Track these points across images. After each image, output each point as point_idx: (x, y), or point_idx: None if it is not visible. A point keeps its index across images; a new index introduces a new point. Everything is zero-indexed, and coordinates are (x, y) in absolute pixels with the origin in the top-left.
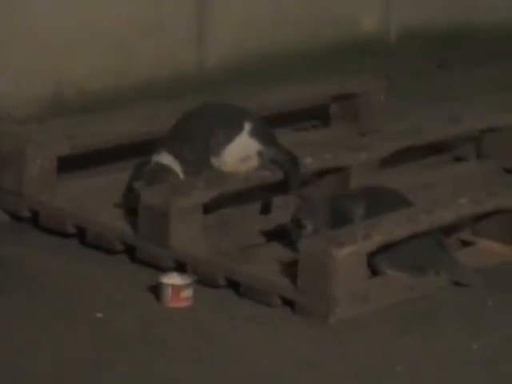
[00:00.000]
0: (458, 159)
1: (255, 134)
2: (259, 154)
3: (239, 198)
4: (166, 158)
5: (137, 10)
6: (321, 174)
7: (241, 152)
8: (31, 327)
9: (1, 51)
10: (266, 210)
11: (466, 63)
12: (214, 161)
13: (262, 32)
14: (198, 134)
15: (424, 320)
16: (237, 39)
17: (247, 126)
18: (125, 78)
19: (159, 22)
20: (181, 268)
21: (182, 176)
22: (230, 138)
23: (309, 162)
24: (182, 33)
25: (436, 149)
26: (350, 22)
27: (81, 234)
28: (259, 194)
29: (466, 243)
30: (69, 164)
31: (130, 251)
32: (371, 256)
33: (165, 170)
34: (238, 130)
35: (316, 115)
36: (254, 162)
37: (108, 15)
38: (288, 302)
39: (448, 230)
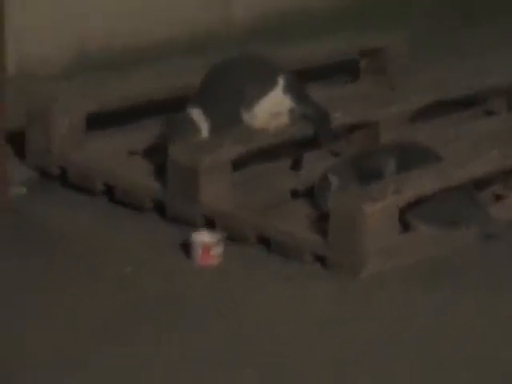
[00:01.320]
0: (489, 113)
1: (289, 90)
2: (291, 111)
3: (269, 154)
4: (195, 113)
5: None
6: (351, 129)
7: (273, 107)
8: (54, 284)
9: (24, 10)
10: (296, 165)
11: (493, 14)
12: (245, 115)
13: None
14: (231, 86)
15: (453, 276)
16: None
17: (281, 82)
18: (147, 37)
19: None
20: (211, 225)
21: (206, 134)
22: (264, 92)
23: (338, 117)
24: None
25: (466, 102)
26: None
27: (110, 192)
28: (290, 150)
29: (499, 197)
30: (97, 122)
31: (160, 208)
32: (403, 211)
33: (190, 122)
34: (273, 84)
35: (346, 70)
36: (285, 119)
37: None
38: (319, 258)
39: (480, 184)
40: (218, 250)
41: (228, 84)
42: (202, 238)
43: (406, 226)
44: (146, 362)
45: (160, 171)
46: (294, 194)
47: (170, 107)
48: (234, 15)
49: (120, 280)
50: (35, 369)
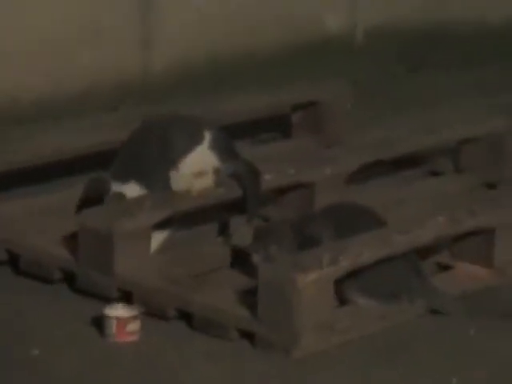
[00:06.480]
0: (435, 173)
1: (215, 147)
2: (216, 170)
3: (193, 218)
4: (130, 189)
5: (73, 10)
6: (282, 191)
7: (197, 166)
8: None
9: None
10: (222, 231)
11: (441, 66)
12: (172, 174)
13: (213, 34)
14: (158, 149)
15: (399, 353)
16: (185, 42)
17: (208, 137)
18: (61, 87)
19: (98, 24)
20: (127, 298)
21: None
22: (190, 148)
23: (268, 179)
24: (125, 35)
25: (410, 162)
26: (312, 22)
27: (14, 261)
28: (215, 214)
29: (443, 267)
30: (3, 183)
31: (70, 280)
32: (339, 283)
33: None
34: (199, 139)
35: (276, 126)
36: (209, 180)
37: (43, 16)
38: (247, 335)
39: (424, 252)
40: (134, 326)
41: (154, 147)
42: (117, 312)
43: (341, 300)
44: None
45: (70, 238)
46: (221, 262)
47: (84, 166)
48: (153, 64)
49: (28, 363)
50: None
